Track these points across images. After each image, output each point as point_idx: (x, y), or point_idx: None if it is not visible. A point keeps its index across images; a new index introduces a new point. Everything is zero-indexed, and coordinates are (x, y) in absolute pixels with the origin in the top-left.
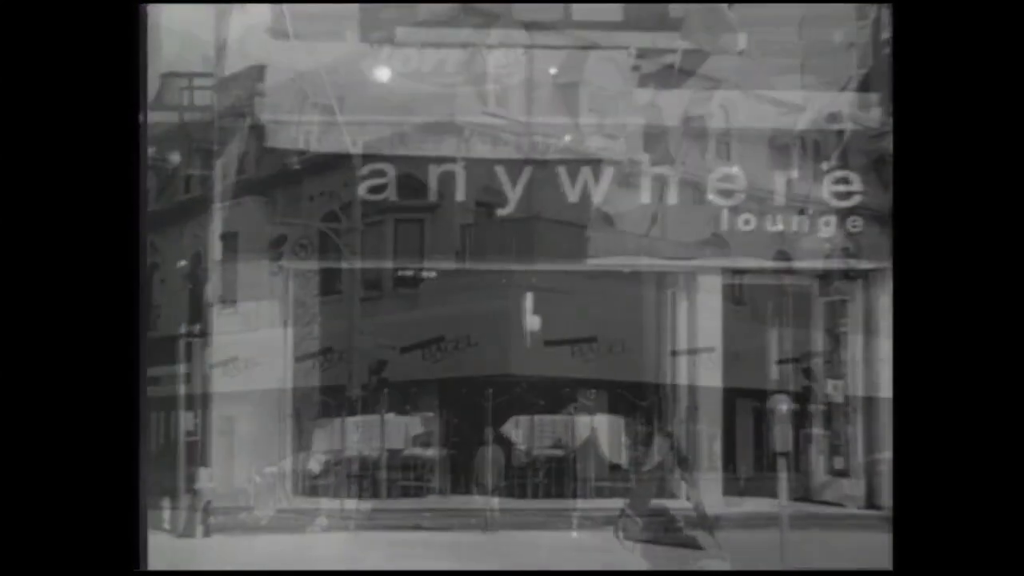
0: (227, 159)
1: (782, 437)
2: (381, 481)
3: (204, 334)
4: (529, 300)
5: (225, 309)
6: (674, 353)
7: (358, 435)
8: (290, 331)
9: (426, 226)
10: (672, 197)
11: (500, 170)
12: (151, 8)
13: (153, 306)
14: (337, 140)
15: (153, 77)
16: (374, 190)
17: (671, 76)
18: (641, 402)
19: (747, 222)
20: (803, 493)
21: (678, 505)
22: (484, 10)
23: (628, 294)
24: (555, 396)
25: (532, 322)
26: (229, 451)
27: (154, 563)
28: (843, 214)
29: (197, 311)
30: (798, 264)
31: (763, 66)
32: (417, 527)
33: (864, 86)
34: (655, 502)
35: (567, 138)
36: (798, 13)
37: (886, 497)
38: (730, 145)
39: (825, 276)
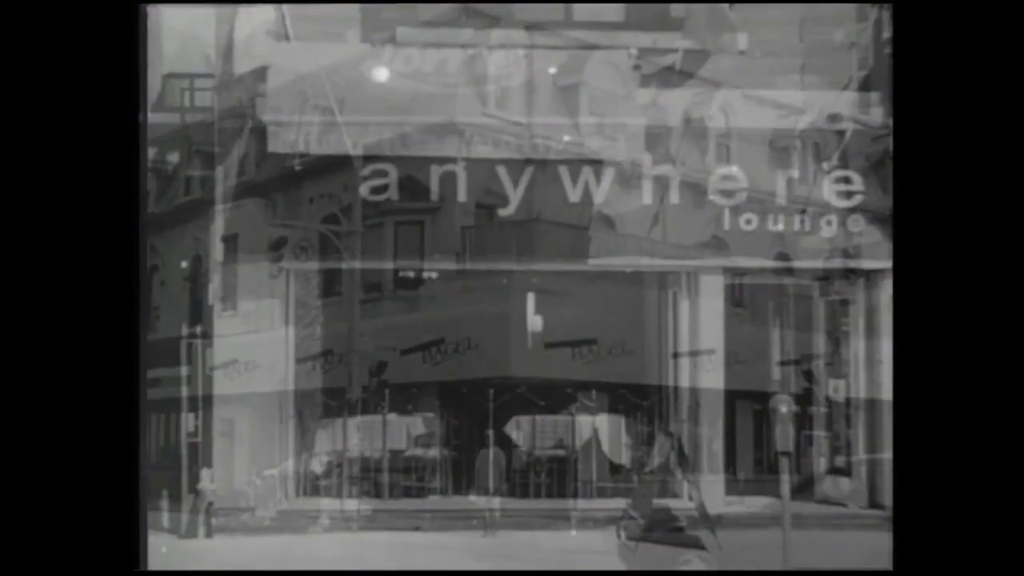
0: (228, 161)
1: (783, 437)
2: (383, 482)
3: (205, 336)
4: (531, 300)
5: (225, 311)
6: (675, 355)
7: (360, 436)
8: (291, 333)
9: (426, 228)
10: (673, 198)
11: (501, 170)
12: (152, 9)
13: (153, 308)
14: (338, 142)
15: (154, 78)
16: (376, 190)
17: (671, 77)
18: (643, 402)
19: (748, 222)
20: (805, 493)
21: (680, 505)
22: (485, 11)
23: (629, 296)
24: (556, 398)
25: (534, 322)
26: (229, 453)
27: (156, 564)
28: (844, 214)
29: (198, 313)
30: (799, 264)
31: (763, 66)
32: (418, 528)
33: (865, 86)
34: (657, 502)
35: (566, 138)
36: (799, 13)
37: (888, 497)
38: (730, 147)
39: (826, 277)
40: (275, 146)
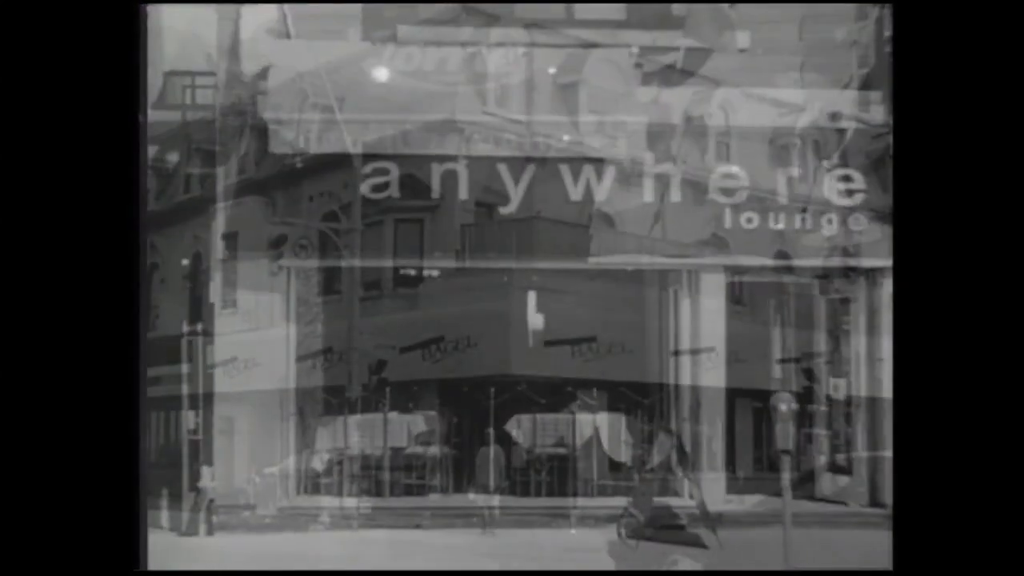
0: (228, 159)
1: (784, 435)
2: (383, 480)
3: (205, 334)
4: (532, 299)
5: (225, 309)
6: (676, 353)
7: (360, 434)
8: (291, 331)
9: (426, 226)
10: (674, 196)
11: (502, 168)
12: (152, 7)
13: (153, 306)
14: (338, 140)
15: (155, 76)
16: (377, 188)
17: (673, 75)
18: (643, 400)
19: (749, 220)
20: (802, 489)
21: (681, 503)
22: (485, 10)
23: (629, 294)
24: (557, 396)
25: (535, 320)
26: (229, 451)
27: (157, 562)
28: (845, 212)
29: (197, 311)
30: (799, 263)
31: (764, 64)
32: (419, 526)
33: (866, 85)
34: (658, 500)
35: (566, 138)
36: (799, 12)
37: (887, 495)
38: (730, 144)
39: (826, 275)
40: (275, 144)
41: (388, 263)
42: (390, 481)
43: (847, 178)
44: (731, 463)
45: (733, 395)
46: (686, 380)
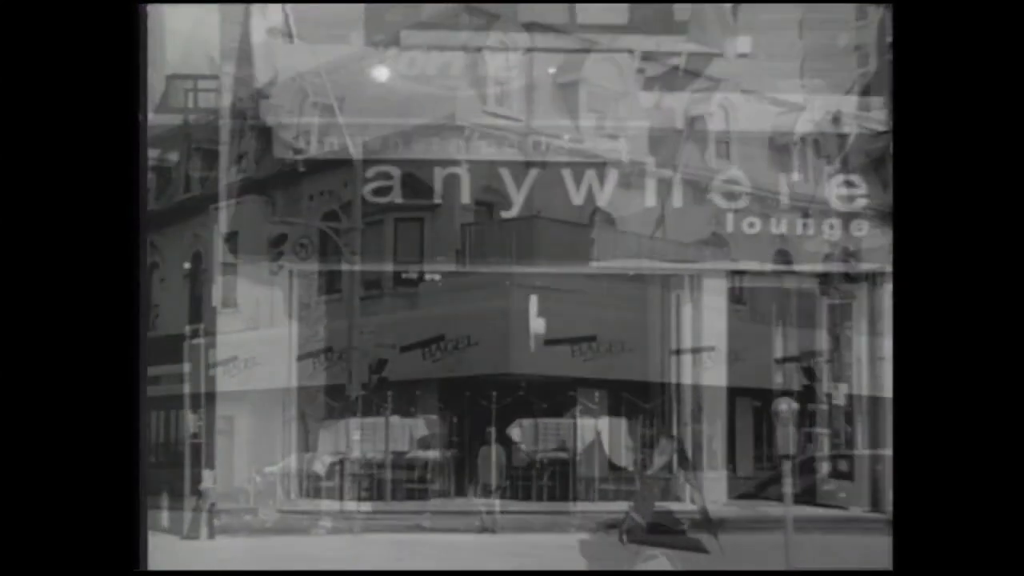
0: (229, 159)
1: (785, 440)
2: (385, 483)
3: (206, 333)
4: (534, 303)
5: (225, 308)
6: (677, 352)
7: (362, 437)
8: (291, 330)
9: (426, 225)
10: (676, 200)
11: (504, 172)
12: (155, 11)
13: (153, 305)
14: (339, 140)
15: (158, 79)
16: (379, 192)
17: (676, 77)
18: (645, 404)
19: (751, 225)
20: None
21: (682, 508)
22: (486, 10)
23: (629, 293)
24: (557, 396)
25: (537, 325)
26: (229, 450)
27: (157, 565)
28: (847, 216)
29: (198, 310)
30: (801, 269)
31: (767, 69)
32: (420, 529)
33: (868, 89)
34: (659, 505)
35: (566, 137)
36: (802, 17)
37: (889, 500)
38: (730, 144)
39: (828, 278)
40: (277, 144)
41: (388, 267)
42: (391, 485)
43: (849, 183)
44: (732, 462)
45: (733, 394)
46: (687, 379)
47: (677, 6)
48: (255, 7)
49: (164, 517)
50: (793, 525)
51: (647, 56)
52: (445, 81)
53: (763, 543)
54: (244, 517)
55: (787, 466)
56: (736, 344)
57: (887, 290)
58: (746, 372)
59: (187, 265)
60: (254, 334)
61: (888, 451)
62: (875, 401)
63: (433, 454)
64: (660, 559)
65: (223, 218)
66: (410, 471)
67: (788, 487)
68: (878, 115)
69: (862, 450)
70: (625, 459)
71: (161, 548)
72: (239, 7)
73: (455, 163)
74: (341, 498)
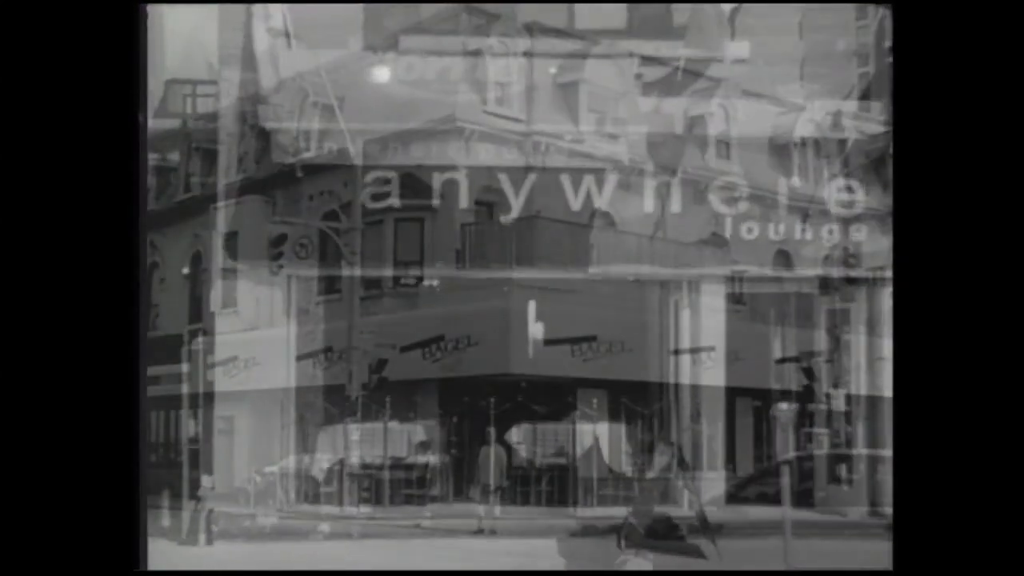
0: (230, 159)
1: (784, 445)
2: (384, 488)
3: (205, 333)
4: (532, 308)
5: (225, 309)
6: (676, 352)
7: (361, 442)
8: (291, 330)
9: (426, 225)
10: (675, 202)
11: (503, 177)
12: (155, 14)
13: (153, 305)
14: (339, 143)
15: (157, 84)
16: (377, 197)
17: (675, 78)
18: (644, 410)
19: (750, 231)
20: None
21: (681, 513)
22: (486, 10)
23: (629, 293)
24: (556, 399)
25: (536, 330)
26: (229, 450)
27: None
28: (847, 220)
29: (197, 310)
30: (801, 274)
31: (767, 73)
32: (419, 532)
33: (867, 92)
34: (658, 510)
35: (567, 138)
36: (801, 19)
37: (888, 504)
38: (730, 144)
39: (827, 281)
40: (276, 147)
41: (388, 271)
42: (390, 490)
43: (849, 188)
44: (732, 462)
45: (733, 394)
46: (686, 379)
47: (676, 11)
48: (255, 10)
49: (162, 520)
50: (792, 530)
51: (646, 60)
52: (444, 85)
53: (762, 548)
54: (243, 523)
55: (785, 470)
56: (736, 344)
57: (886, 292)
58: (746, 372)
59: (184, 262)
60: (254, 334)
61: (886, 452)
62: (874, 401)
63: (432, 458)
64: (636, 559)
65: (222, 218)
66: (408, 475)
67: (787, 491)
68: (877, 117)
69: (861, 450)
70: (624, 464)
71: (159, 553)
72: (238, 12)
73: (453, 168)
74: (340, 503)
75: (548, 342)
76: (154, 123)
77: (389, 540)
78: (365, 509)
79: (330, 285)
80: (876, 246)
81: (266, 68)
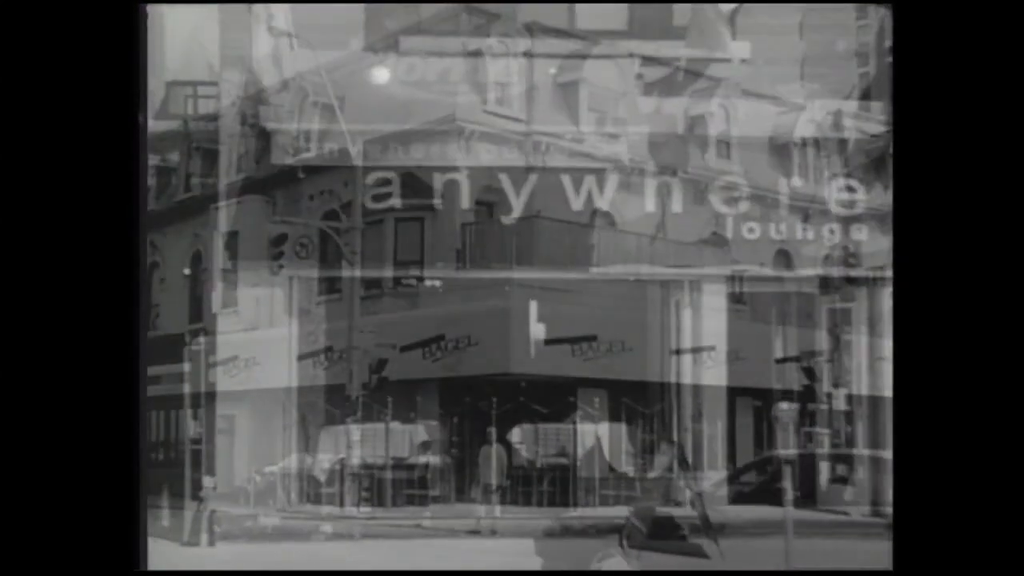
0: (230, 159)
1: (785, 446)
2: (385, 489)
3: (206, 333)
4: (534, 308)
5: (225, 308)
6: (677, 352)
7: (362, 443)
8: (291, 330)
9: (427, 225)
10: (676, 202)
11: (504, 177)
12: (155, 15)
13: (153, 305)
14: (340, 143)
15: (158, 86)
16: (379, 198)
17: (676, 77)
18: (645, 410)
19: (751, 231)
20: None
21: (683, 513)
22: (486, 10)
23: (629, 293)
24: (557, 399)
25: (537, 330)
26: (230, 450)
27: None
28: (847, 220)
29: (198, 310)
30: (803, 273)
31: (767, 73)
32: (419, 532)
33: (867, 92)
34: (660, 510)
35: (567, 138)
36: (802, 19)
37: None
38: (731, 144)
39: (827, 280)
40: (276, 147)
41: (388, 272)
42: (392, 490)
43: (849, 188)
44: (732, 462)
45: (734, 394)
46: (687, 379)
47: (676, 11)
48: (258, 11)
49: (164, 521)
50: (794, 529)
51: (647, 60)
52: (444, 86)
53: (764, 548)
54: (245, 523)
55: (787, 470)
56: (737, 344)
57: (887, 291)
58: (747, 372)
59: (187, 266)
60: (254, 334)
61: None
62: (875, 401)
63: (433, 459)
64: (616, 559)
65: (223, 218)
66: (410, 476)
67: (790, 491)
68: (877, 117)
69: (862, 450)
70: (625, 464)
71: (160, 555)
72: (239, 12)
73: (454, 169)
74: (341, 504)
75: (548, 342)
76: (155, 124)
77: (390, 540)
78: (366, 509)
79: (330, 285)
80: (877, 246)
81: (268, 69)
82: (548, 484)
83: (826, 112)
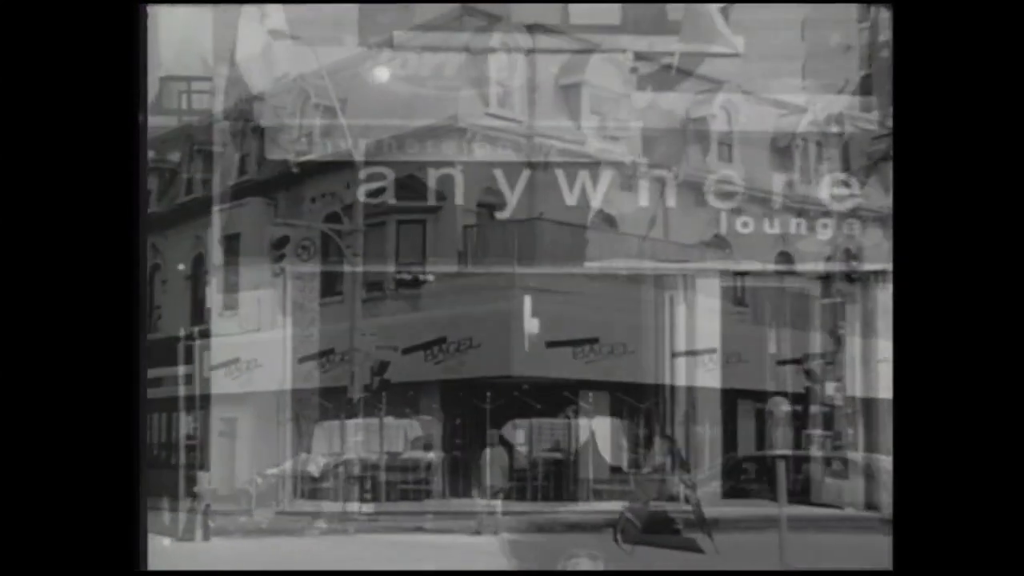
0: (231, 161)
1: (781, 440)
2: (380, 484)
3: (206, 335)
4: (528, 303)
5: (227, 311)
6: (674, 355)
7: (357, 438)
8: (292, 332)
9: (428, 227)
10: (671, 199)
11: (499, 173)
12: (151, 9)
13: (155, 307)
14: (343, 143)
15: (152, 81)
16: (372, 193)
17: (669, 76)
18: (641, 404)
19: (745, 224)
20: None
21: (677, 508)
22: (487, 11)
23: (629, 295)
24: (556, 398)
25: (531, 325)
26: (230, 452)
27: (154, 567)
28: (848, 220)
29: (199, 312)
30: (802, 268)
31: (766, 70)
32: (418, 529)
33: (866, 89)
34: (655, 505)
35: (567, 137)
36: (804, 17)
37: (885, 498)
38: (732, 146)
39: (826, 278)
40: (277, 148)
41: (390, 268)
42: (386, 486)
43: (846, 184)
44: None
45: (735, 396)
46: (688, 382)
47: (670, 8)
48: (250, 10)
49: (162, 520)
50: (788, 524)
51: (640, 56)
52: (441, 83)
53: (757, 542)
54: (239, 519)
55: (781, 466)
56: (737, 346)
57: (887, 292)
58: (747, 374)
59: (187, 267)
60: (256, 336)
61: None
62: (875, 402)
63: (429, 455)
64: (582, 559)
65: (222, 221)
66: (404, 472)
67: (783, 487)
68: (877, 116)
69: (858, 452)
70: (620, 459)
71: (156, 550)
72: (232, 9)
73: (449, 164)
74: (335, 499)
75: (550, 344)
76: (150, 120)
77: (388, 536)
78: (366, 507)
79: (332, 287)
80: (877, 246)
81: (263, 68)
82: (543, 479)
83: (827, 112)
